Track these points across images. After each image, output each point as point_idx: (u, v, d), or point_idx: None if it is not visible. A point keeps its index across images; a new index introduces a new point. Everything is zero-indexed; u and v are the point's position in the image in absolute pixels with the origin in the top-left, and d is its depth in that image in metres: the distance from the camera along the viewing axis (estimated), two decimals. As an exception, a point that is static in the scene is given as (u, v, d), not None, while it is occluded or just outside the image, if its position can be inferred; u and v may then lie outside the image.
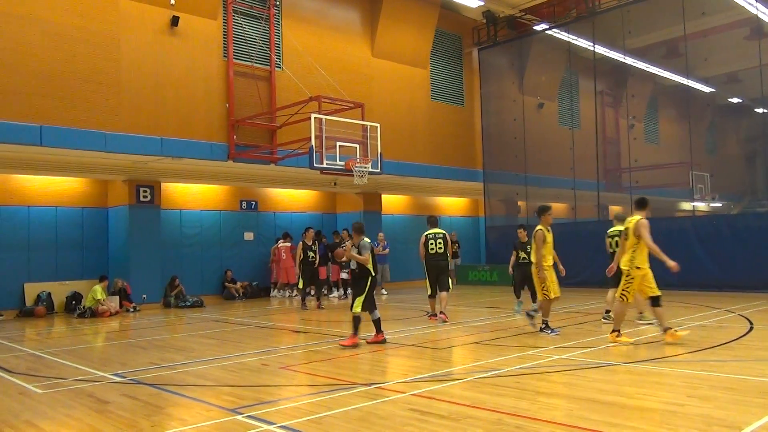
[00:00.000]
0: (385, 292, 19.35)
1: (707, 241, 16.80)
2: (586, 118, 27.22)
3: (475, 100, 24.31)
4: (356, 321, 9.20)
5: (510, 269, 12.64)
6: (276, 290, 18.93)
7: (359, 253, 9.24)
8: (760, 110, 36.27)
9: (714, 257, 16.41)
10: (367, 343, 9.25)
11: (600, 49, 23.98)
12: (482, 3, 21.58)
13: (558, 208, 27.56)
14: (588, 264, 17.13)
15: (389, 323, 11.99)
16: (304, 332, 10.83)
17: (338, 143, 15.84)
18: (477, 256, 24.76)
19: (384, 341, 9.30)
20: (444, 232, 12.13)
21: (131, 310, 15.65)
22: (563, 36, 23.19)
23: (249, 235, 19.48)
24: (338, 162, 15.91)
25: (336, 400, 5.95)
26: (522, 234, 12.38)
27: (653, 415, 5.12)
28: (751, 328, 9.74)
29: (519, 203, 24.44)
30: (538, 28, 23.11)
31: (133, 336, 11.87)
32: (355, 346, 8.96)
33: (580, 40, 23.23)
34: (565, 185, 24.88)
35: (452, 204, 24.99)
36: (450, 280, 12.08)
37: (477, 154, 24.00)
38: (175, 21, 15.92)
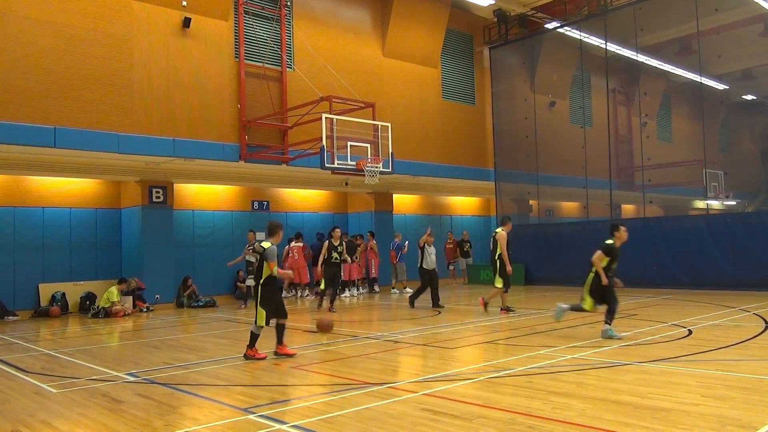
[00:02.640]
0: (397, 292, 19.36)
1: (721, 239, 16.66)
2: (598, 117, 27.06)
3: (486, 99, 24.24)
4: (253, 337, 8.32)
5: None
6: (284, 290, 18.85)
7: (264, 258, 8.21)
8: (775, 107, 35.95)
9: (728, 255, 16.26)
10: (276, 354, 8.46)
11: (612, 47, 23.82)
12: (493, 2, 21.52)
13: (570, 207, 27.47)
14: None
15: (400, 323, 12.00)
16: (316, 332, 10.85)
17: (349, 143, 15.84)
18: (488, 255, 24.67)
19: (286, 355, 8.32)
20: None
21: (145, 310, 15.77)
22: (575, 34, 23.07)
23: (261, 236, 19.54)
24: (349, 162, 15.92)
25: (348, 399, 5.96)
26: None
27: (667, 415, 5.08)
28: (767, 327, 9.64)
29: (531, 202, 24.34)
30: (550, 26, 23.00)
31: (147, 336, 11.94)
32: (259, 359, 8.22)
33: (591, 38, 23.09)
34: (577, 184, 24.74)
35: (463, 203, 24.94)
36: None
37: (488, 153, 23.93)
38: (186, 22, 16.00)
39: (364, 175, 16.12)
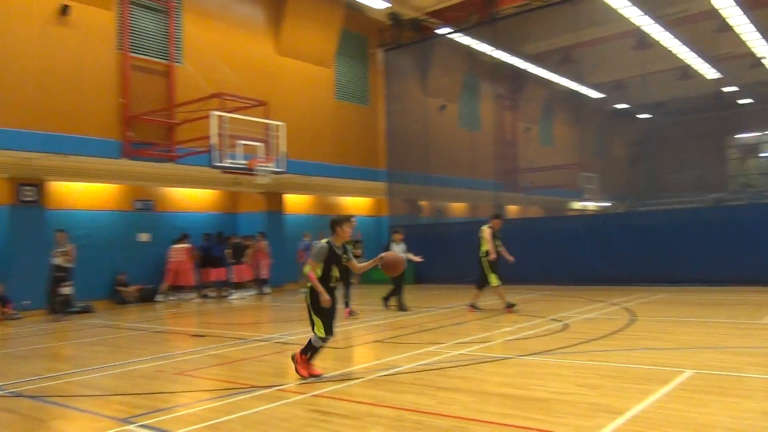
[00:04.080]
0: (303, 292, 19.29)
1: (594, 238, 17.77)
2: (486, 121, 28.18)
3: (379, 100, 24.52)
4: None
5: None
6: (162, 294, 17.95)
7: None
8: (643, 116, 38.96)
9: (601, 253, 17.37)
10: None
11: (500, 54, 24.84)
12: (388, 5, 21.80)
13: (459, 207, 28.35)
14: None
15: (291, 324, 11.87)
16: (203, 336, 10.51)
17: (241, 142, 15.52)
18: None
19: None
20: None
21: (9, 317, 14.52)
22: (465, 40, 23.84)
23: (144, 237, 18.67)
24: (240, 161, 15.59)
25: (236, 404, 5.81)
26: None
27: (545, 405, 5.34)
28: (634, 320, 10.39)
29: (421, 203, 24.90)
30: (441, 31, 23.61)
31: (14, 345, 11.06)
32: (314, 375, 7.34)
33: (481, 44, 23.96)
34: (466, 185, 25.59)
35: (356, 204, 25.08)
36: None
37: (380, 154, 24.21)
38: (65, 10, 15.02)
39: (255, 174, 15.83)
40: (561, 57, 27.69)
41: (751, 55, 26.46)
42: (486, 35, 23.21)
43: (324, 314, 6.69)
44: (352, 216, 7.37)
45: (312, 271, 6.70)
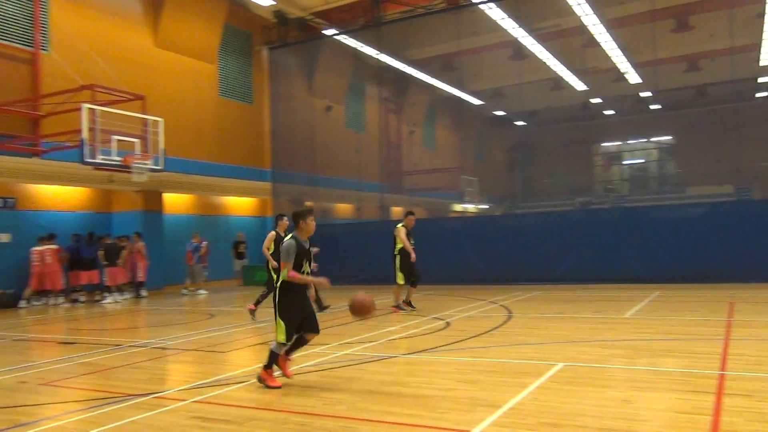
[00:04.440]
0: (186, 293, 18.71)
1: (474, 239, 18.48)
2: (372, 123, 28.50)
3: (264, 99, 24.12)
4: None
5: None
6: (25, 299, 16.56)
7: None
8: (519, 123, 41.03)
9: (480, 254, 18.09)
10: None
11: (385, 58, 25.22)
12: (274, 2, 21.48)
13: (344, 208, 28.47)
14: (371, 262, 17.89)
15: (170, 329, 11.39)
16: (72, 343, 9.83)
17: (115, 137, 14.72)
18: (264, 256, 24.43)
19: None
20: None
21: None
22: (351, 42, 23.99)
23: (4, 237, 17.17)
24: (115, 157, 14.78)
25: (108, 414, 5.47)
26: None
27: (427, 401, 5.47)
28: (511, 317, 10.90)
29: (307, 203, 24.75)
30: (328, 32, 23.61)
31: None
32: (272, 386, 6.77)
33: (366, 47, 24.22)
34: (351, 187, 25.72)
35: (239, 204, 24.50)
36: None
37: (265, 153, 23.82)
38: None
39: (131, 172, 15.06)
40: (443, 63, 28.61)
41: (615, 70, 28.65)
42: (372, 39, 23.50)
43: (290, 318, 6.21)
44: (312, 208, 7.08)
45: (290, 272, 6.14)
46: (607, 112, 38.82)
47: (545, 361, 6.94)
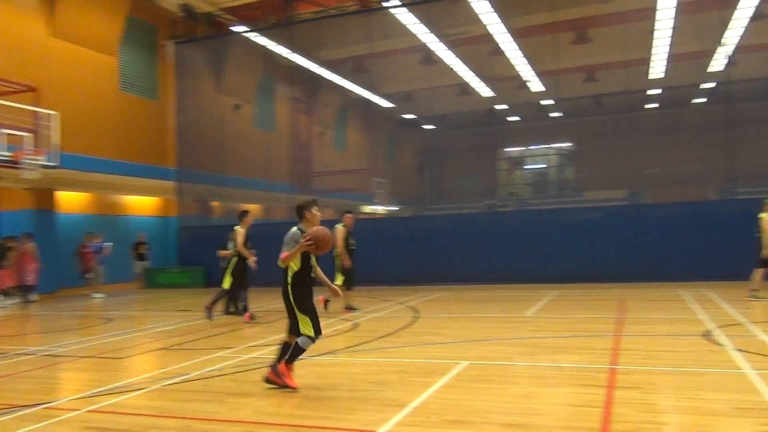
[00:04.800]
0: (100, 296, 17.57)
1: (384, 240, 18.63)
2: (282, 123, 28.17)
3: (169, 95, 23.26)
4: None
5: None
6: None
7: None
8: (428, 127, 41.80)
9: (390, 255, 18.25)
10: None
11: (296, 58, 24.99)
12: (179, -5, 20.80)
13: (252, 209, 27.92)
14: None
15: (63, 335, 10.76)
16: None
17: (4, 131, 13.79)
18: (167, 257, 23.60)
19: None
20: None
21: None
22: (262, 40, 23.60)
23: None
24: (3, 152, 13.85)
25: (-10, 427, 5.08)
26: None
27: (336, 403, 5.44)
28: (417, 317, 11.06)
29: (213, 204, 24.14)
30: (237, 29, 23.11)
31: None
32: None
33: (278, 46, 23.89)
34: (260, 187, 25.30)
35: (141, 203, 23.49)
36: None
37: (170, 151, 22.98)
38: None
39: (21, 168, 14.13)
40: (355, 65, 28.69)
41: (519, 78, 29.74)
42: (283, 38, 23.22)
43: (312, 310, 5.97)
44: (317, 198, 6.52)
45: (286, 256, 5.86)
46: (511, 119, 40.25)
47: (451, 359, 7.08)
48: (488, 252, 17.25)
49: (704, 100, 35.38)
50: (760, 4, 21.26)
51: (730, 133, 27.84)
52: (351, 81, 29.80)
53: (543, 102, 35.82)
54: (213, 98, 23.95)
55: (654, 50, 25.80)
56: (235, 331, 10.12)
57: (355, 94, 31.92)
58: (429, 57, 26.72)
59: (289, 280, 5.98)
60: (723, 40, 24.45)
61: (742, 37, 24.22)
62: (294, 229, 6.02)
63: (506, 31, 23.22)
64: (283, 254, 5.85)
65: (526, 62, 27.13)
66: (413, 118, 38.36)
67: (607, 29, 25.08)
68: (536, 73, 28.93)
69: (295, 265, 5.94)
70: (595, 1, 22.82)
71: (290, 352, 5.96)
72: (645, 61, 27.47)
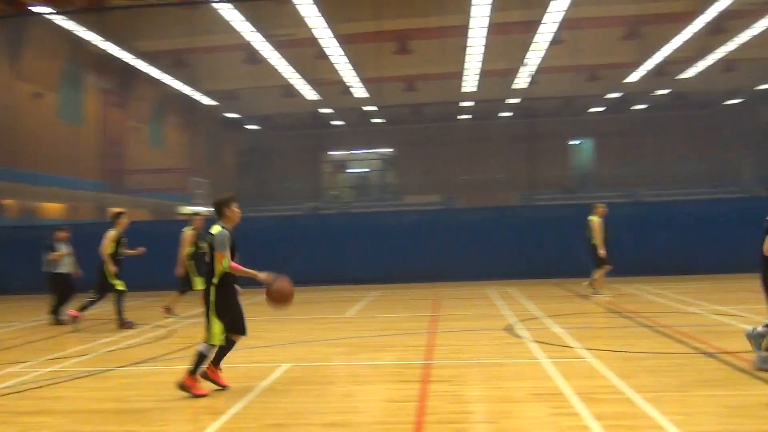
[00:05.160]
0: None
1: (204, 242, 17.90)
2: (91, 115, 26.03)
3: (-47, 77, 20.48)
4: None
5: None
6: None
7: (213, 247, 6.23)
8: (252, 127, 41.12)
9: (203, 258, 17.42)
10: None
11: (108, 46, 23.24)
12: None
13: (54, 208, 25.51)
14: (90, 267, 16.21)
15: None
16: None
17: None
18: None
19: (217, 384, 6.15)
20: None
21: None
22: (69, 25, 21.60)
23: None
24: None
25: None
26: None
27: (147, 415, 5.12)
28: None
29: (5, 202, 21.60)
30: (38, 9, 20.92)
31: None
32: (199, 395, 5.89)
33: (87, 32, 22.00)
34: (64, 184, 23.19)
35: None
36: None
37: (-47, 141, 20.24)
38: None
39: None
40: (175, 59, 27.35)
41: (343, 83, 30.33)
42: (93, 23, 21.46)
43: (227, 317, 5.69)
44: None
45: (230, 262, 5.63)
46: (335, 123, 40.91)
47: (271, 363, 7.00)
48: (311, 254, 17.33)
49: (510, 114, 38.73)
50: (558, 30, 23.76)
51: (531, 145, 30.76)
52: (170, 75, 28.33)
53: (366, 108, 36.87)
54: (8, 84, 21.47)
55: (467, 65, 27.71)
56: (30, 343, 9.13)
57: (174, 89, 30.42)
58: (254, 56, 26.27)
59: (215, 280, 5.71)
60: (526, 60, 26.97)
61: (542, 58, 26.88)
62: (220, 228, 5.74)
63: (332, 36, 23.55)
64: (233, 264, 5.66)
65: (351, 68, 27.73)
66: (236, 118, 37.46)
67: (426, 42, 26.47)
68: (360, 79, 29.70)
69: (223, 265, 5.66)
70: (417, 14, 23.98)
71: (192, 362, 5.66)
72: (459, 75, 29.42)
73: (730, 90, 36.11)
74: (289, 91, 31.72)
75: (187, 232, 11.55)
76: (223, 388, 5.83)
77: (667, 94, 35.53)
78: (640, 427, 4.45)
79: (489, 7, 20.56)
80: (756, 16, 23.44)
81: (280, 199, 40.45)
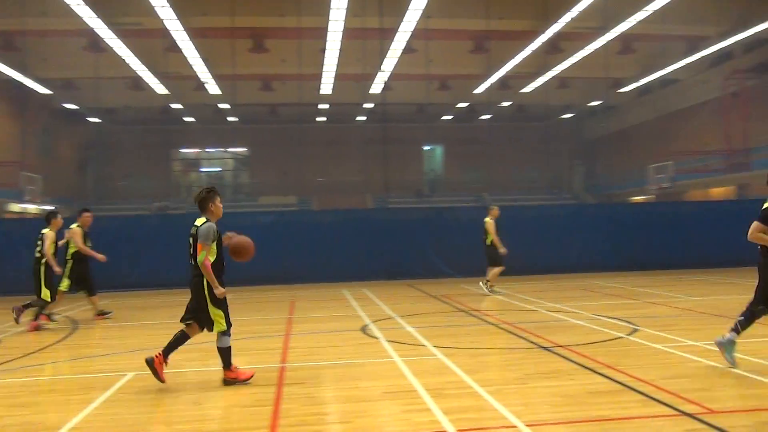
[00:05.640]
0: None
1: (25, 244, 16.37)
2: None
3: None
4: None
5: None
6: None
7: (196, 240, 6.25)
8: (93, 120, 38.30)
9: (14, 262, 15.83)
10: None
11: None
12: None
13: None
14: None
15: None
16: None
17: None
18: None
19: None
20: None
21: None
22: None
23: None
24: None
25: None
26: None
27: (-37, 437, 4.57)
28: (76, 328, 10.00)
29: None
30: None
31: None
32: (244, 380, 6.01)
33: None
34: None
35: None
36: None
37: None
38: None
39: None
40: (3, 42, 24.74)
41: (197, 78, 29.18)
42: None
43: (223, 302, 5.96)
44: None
45: (207, 257, 5.77)
46: (187, 119, 39.25)
47: (114, 372, 6.55)
48: (158, 255, 16.43)
49: (365, 118, 39.40)
50: (410, 39, 24.54)
51: (384, 149, 31.50)
52: (-3, 59, 25.57)
53: (220, 105, 35.76)
54: None
55: (324, 68, 27.79)
56: None
57: (2, 75, 27.51)
58: (96, 44, 24.46)
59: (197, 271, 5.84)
60: (381, 67, 27.58)
61: (396, 66, 27.63)
62: (207, 222, 5.85)
63: (183, 28, 22.55)
64: (207, 262, 5.77)
65: (203, 63, 26.75)
66: (75, 109, 34.65)
67: (283, 42, 26.19)
68: (213, 75, 28.74)
69: (211, 256, 5.84)
70: (273, 13, 23.64)
71: (221, 358, 5.92)
72: (317, 77, 29.43)
73: (564, 105, 39.40)
74: (137, 83, 29.90)
75: (76, 230, 10.84)
76: (161, 382, 5.79)
77: (510, 106, 38.05)
78: (485, 419, 4.69)
79: (344, 11, 20.78)
80: (587, 40, 25.82)
81: (126, 198, 38.07)
